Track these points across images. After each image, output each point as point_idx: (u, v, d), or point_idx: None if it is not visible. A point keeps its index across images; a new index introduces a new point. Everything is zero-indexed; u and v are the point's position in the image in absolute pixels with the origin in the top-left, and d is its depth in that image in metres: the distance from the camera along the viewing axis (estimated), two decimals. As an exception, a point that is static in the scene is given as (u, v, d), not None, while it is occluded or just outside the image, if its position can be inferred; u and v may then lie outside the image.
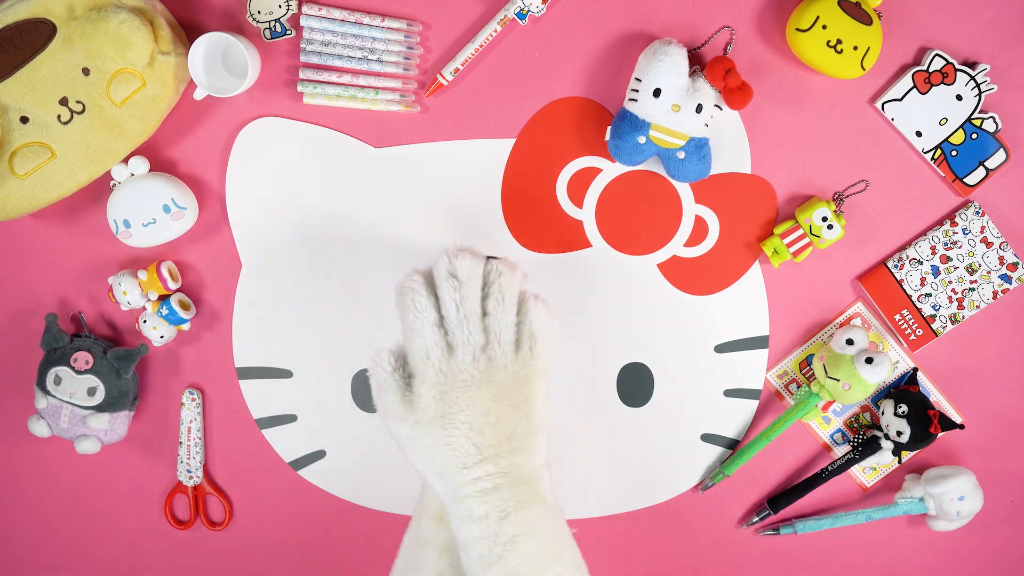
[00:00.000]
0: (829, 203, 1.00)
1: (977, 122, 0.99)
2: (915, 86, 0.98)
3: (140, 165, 0.99)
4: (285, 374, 1.07)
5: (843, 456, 1.05)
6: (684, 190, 1.02)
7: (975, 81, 0.98)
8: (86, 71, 0.93)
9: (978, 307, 1.02)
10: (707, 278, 1.04)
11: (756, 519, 1.08)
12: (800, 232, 1.00)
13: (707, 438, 1.07)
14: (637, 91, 0.95)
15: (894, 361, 1.04)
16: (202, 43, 0.96)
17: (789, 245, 1.00)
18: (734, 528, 1.09)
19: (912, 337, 1.03)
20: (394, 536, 1.10)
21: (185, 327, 1.04)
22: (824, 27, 0.93)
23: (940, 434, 1.02)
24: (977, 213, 1.01)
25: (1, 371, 1.09)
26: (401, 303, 0.84)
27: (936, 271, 1.02)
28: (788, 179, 1.02)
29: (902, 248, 1.02)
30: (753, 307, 1.04)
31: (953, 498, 1.03)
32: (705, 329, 1.05)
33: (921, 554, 1.10)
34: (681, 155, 0.96)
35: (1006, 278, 1.02)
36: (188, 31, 0.99)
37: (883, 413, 1.03)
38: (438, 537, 0.87)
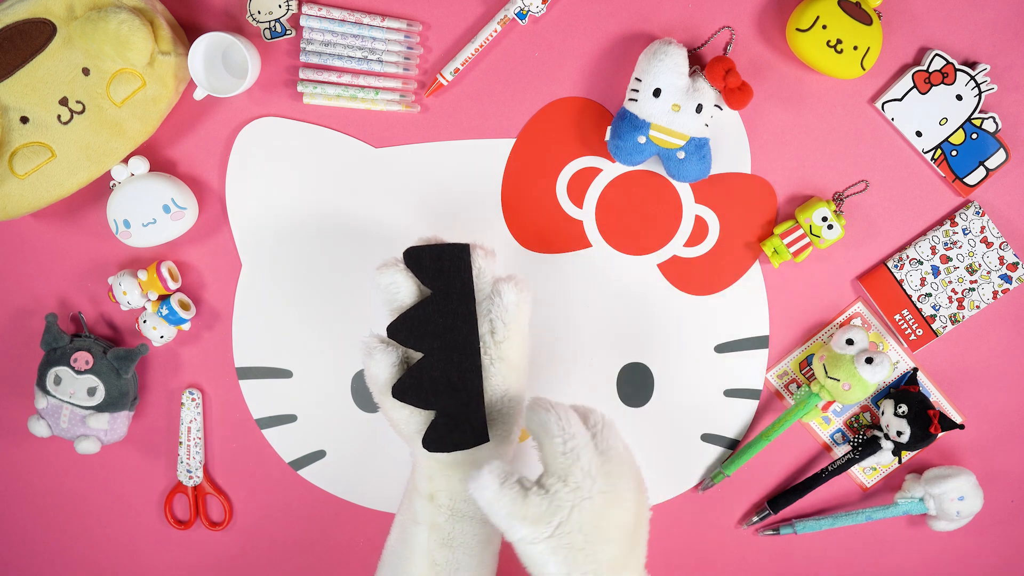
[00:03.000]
0: (829, 203, 1.00)
1: (977, 122, 0.99)
2: (915, 86, 0.98)
3: (140, 165, 0.99)
4: (285, 374, 1.07)
5: (843, 456, 1.05)
6: (684, 190, 1.02)
7: (975, 81, 0.98)
8: (86, 71, 0.93)
9: (978, 307, 1.02)
10: (707, 278, 1.04)
11: (756, 519, 1.08)
12: (800, 232, 1.00)
13: (707, 438, 1.07)
14: (637, 91, 0.95)
15: (894, 361, 1.04)
16: (202, 43, 0.96)
17: (789, 245, 1.00)
18: (734, 528, 1.09)
19: (912, 337, 1.03)
20: (394, 536, 1.10)
21: (185, 327, 1.04)
22: (824, 27, 0.93)
23: (940, 434, 1.02)
24: (977, 213, 1.01)
25: (1, 371, 1.09)
26: None
27: (936, 271, 1.02)
28: (788, 179, 1.02)
29: (902, 248, 1.02)
30: (753, 307, 1.04)
31: (953, 498, 1.03)
32: (705, 329, 1.05)
33: (921, 554, 1.09)
34: (681, 155, 0.96)
35: (1006, 278, 1.02)
36: (188, 31, 0.99)
37: (883, 413, 1.03)
38: (428, 515, 0.93)
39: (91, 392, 1.02)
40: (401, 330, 0.89)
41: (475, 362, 0.90)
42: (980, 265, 1.02)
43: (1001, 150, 0.99)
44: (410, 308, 0.89)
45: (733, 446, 1.07)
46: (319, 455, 1.08)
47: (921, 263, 1.02)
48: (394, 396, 0.89)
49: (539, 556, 0.82)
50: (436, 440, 0.90)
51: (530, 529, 0.81)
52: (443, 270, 0.89)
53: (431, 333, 0.89)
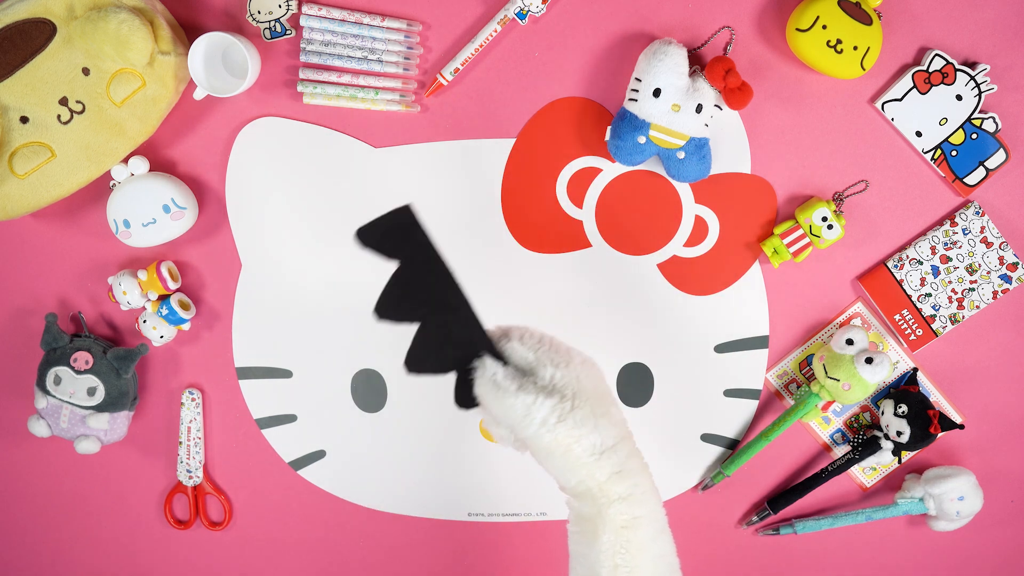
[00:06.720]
0: (829, 203, 1.00)
1: (977, 122, 0.99)
2: (915, 86, 0.98)
3: (140, 165, 0.99)
4: (285, 374, 1.07)
5: (843, 456, 1.05)
6: (684, 190, 1.02)
7: (975, 81, 0.98)
8: (86, 71, 0.93)
9: (978, 307, 1.02)
10: (707, 278, 1.04)
11: (756, 519, 1.08)
12: (800, 232, 1.00)
13: (707, 438, 1.07)
14: (637, 91, 0.95)
15: (894, 361, 1.04)
16: (202, 43, 0.96)
17: (789, 245, 1.00)
18: (734, 528, 1.09)
19: (912, 337, 1.03)
20: (394, 536, 1.11)
21: (185, 327, 1.04)
22: (824, 27, 0.93)
23: (940, 434, 1.02)
24: (977, 213, 1.01)
25: (1, 371, 1.09)
26: None
27: (936, 271, 1.02)
28: (788, 179, 1.02)
29: (902, 248, 1.02)
30: (753, 307, 1.04)
31: (953, 498, 1.03)
32: (705, 329, 1.05)
33: (921, 554, 1.09)
34: (681, 155, 0.96)
35: (1006, 278, 1.02)
36: (188, 31, 0.99)
37: (883, 413, 1.03)
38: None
39: (91, 392, 1.02)
40: (388, 308, 0.86)
41: (468, 311, 0.86)
42: (980, 265, 1.02)
43: (1001, 150, 0.99)
44: (386, 285, 0.86)
45: (733, 446, 1.07)
46: (319, 455, 1.08)
47: (921, 263, 1.02)
48: (410, 371, 0.86)
49: (565, 436, 0.81)
50: (468, 397, 0.87)
51: (551, 404, 0.81)
52: (398, 238, 0.85)
53: (417, 300, 0.86)
